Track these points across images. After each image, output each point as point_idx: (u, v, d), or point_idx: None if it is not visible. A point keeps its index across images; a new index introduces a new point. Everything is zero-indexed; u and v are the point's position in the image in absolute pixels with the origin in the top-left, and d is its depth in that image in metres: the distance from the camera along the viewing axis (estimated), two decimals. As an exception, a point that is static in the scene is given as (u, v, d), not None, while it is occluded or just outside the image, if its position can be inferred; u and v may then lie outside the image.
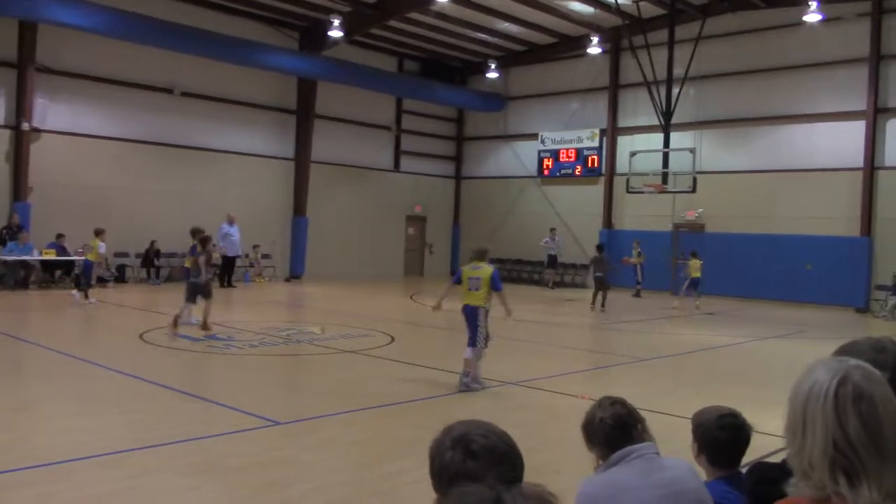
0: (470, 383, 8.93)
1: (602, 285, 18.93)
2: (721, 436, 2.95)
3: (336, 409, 7.69)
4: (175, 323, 11.89)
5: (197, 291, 12.58)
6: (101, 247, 16.86)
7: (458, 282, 9.54)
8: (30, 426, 7.00)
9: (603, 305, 18.77)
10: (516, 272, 27.86)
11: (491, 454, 1.67)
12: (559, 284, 25.98)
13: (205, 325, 12.38)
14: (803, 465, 1.65)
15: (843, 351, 2.68)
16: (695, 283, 19.61)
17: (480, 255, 9.49)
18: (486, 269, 9.27)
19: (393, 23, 23.80)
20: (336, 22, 22.12)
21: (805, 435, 1.65)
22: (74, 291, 16.50)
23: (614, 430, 2.69)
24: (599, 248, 20.41)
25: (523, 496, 0.99)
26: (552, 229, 26.04)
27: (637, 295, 22.81)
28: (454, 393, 8.92)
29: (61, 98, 20.04)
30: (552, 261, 25.75)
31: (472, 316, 9.19)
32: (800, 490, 1.66)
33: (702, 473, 2.96)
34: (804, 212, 21.65)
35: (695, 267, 19.62)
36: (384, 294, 20.62)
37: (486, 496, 1.00)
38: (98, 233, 16.68)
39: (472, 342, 9.09)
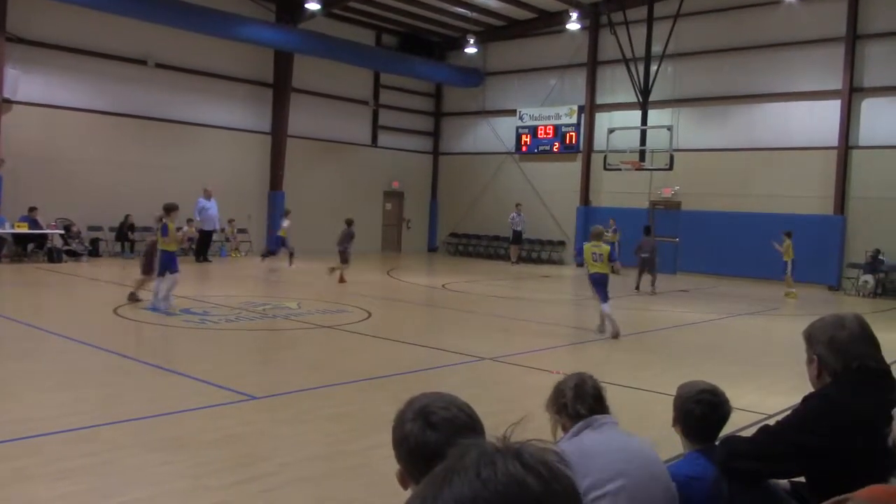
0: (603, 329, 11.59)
1: (647, 266, 18.30)
2: (695, 409, 3.00)
3: (312, 384, 7.69)
4: (157, 296, 12.11)
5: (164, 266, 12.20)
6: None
7: (582, 261, 12.37)
8: (7, 401, 6.93)
9: (653, 285, 18.23)
10: (493, 248, 27.95)
11: (451, 425, 1.69)
12: (523, 259, 26.03)
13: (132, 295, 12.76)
14: None
15: (811, 326, 2.73)
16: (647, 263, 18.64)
17: (598, 236, 11.84)
18: (605, 247, 11.65)
19: (371, -4, 23.57)
20: (313, -6, 21.86)
21: None
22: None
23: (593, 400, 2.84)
24: (647, 229, 19.44)
25: (531, 455, 0.99)
26: (517, 205, 26.05)
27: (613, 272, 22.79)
28: (430, 368, 8.97)
29: (33, 69, 19.65)
30: (517, 236, 25.79)
31: (599, 281, 11.60)
32: None
33: (679, 444, 3.01)
34: (779, 190, 21.85)
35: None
36: (361, 269, 20.56)
37: (486, 450, 1.00)
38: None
39: (605, 299, 11.52)
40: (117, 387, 7.48)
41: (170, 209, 12.42)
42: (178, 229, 12.86)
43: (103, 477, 5.01)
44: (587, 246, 11.84)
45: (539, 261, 26.70)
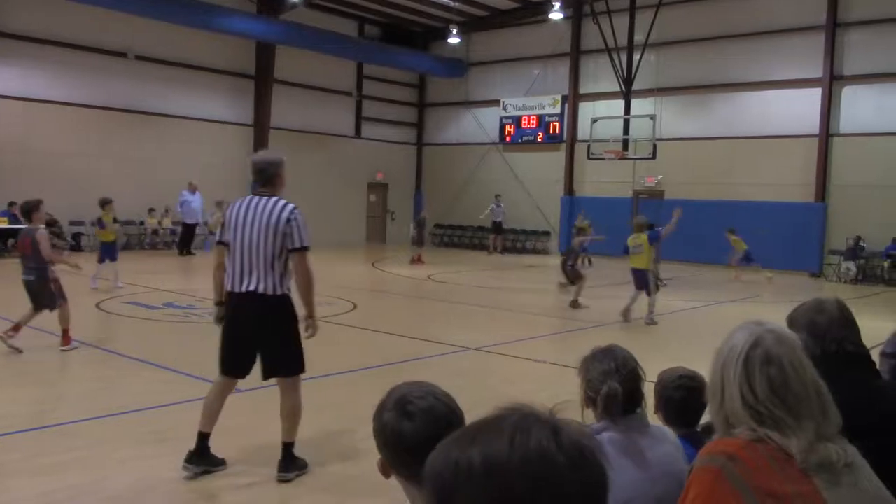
0: (652, 318, 11.83)
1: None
2: (675, 395, 3.02)
3: (297, 377, 7.66)
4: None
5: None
6: None
7: (626, 252, 12.15)
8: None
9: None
10: (478, 239, 27.97)
11: (428, 415, 1.70)
12: (507, 250, 26.06)
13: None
14: (726, 419, 1.80)
15: (793, 311, 2.75)
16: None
17: (640, 227, 12.02)
18: (642, 236, 11.86)
19: (353, -14, 23.44)
20: (295, -16, 21.72)
21: (724, 393, 1.80)
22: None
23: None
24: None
25: (569, 435, 0.98)
26: (497, 196, 26.07)
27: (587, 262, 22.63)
28: (416, 359, 8.97)
29: (10, 61, 19.43)
30: (497, 227, 25.83)
31: (640, 275, 11.87)
32: (736, 432, 1.77)
33: None
34: (761, 178, 22.00)
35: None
36: (346, 261, 20.52)
37: (526, 417, 0.99)
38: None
39: (649, 292, 11.88)
40: (100, 381, 7.43)
41: (104, 203, 13.63)
42: (115, 221, 14.08)
43: (86, 472, 4.98)
44: (630, 239, 11.99)
45: (524, 251, 26.74)
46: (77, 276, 9.89)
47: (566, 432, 0.98)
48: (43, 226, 8.58)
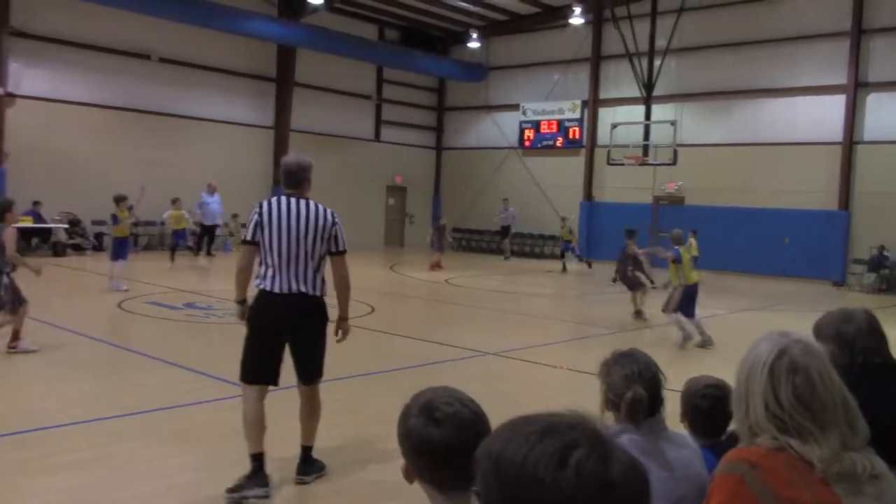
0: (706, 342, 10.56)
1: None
2: (701, 404, 2.98)
3: (316, 379, 7.68)
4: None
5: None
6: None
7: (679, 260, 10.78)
8: (10, 393, 6.96)
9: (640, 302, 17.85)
10: (495, 243, 27.89)
11: (453, 421, 1.69)
12: (515, 254, 26.03)
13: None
14: (751, 428, 1.80)
15: (819, 320, 2.72)
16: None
17: (678, 240, 11.01)
18: (694, 245, 10.90)
19: (374, -10, 23.54)
20: (316, -12, 21.83)
21: (749, 403, 1.81)
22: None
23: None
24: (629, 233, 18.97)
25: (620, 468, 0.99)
26: (505, 200, 26.05)
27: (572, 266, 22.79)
28: (434, 363, 8.98)
29: (37, 63, 19.67)
30: (505, 231, 25.82)
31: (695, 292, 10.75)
32: (758, 440, 1.78)
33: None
34: (783, 185, 21.81)
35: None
36: (364, 264, 20.56)
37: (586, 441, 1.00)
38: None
39: (693, 313, 10.68)
40: (121, 380, 7.50)
41: (118, 200, 13.53)
42: (130, 217, 14.02)
43: (108, 470, 5.02)
44: (683, 251, 10.74)
45: (542, 256, 26.67)
46: (91, 277, 9.97)
47: (616, 458, 0.99)
48: (14, 226, 8.17)
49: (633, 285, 13.01)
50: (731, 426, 3.02)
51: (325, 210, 4.92)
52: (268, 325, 4.84)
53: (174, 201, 19.00)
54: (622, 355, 2.70)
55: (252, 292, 4.97)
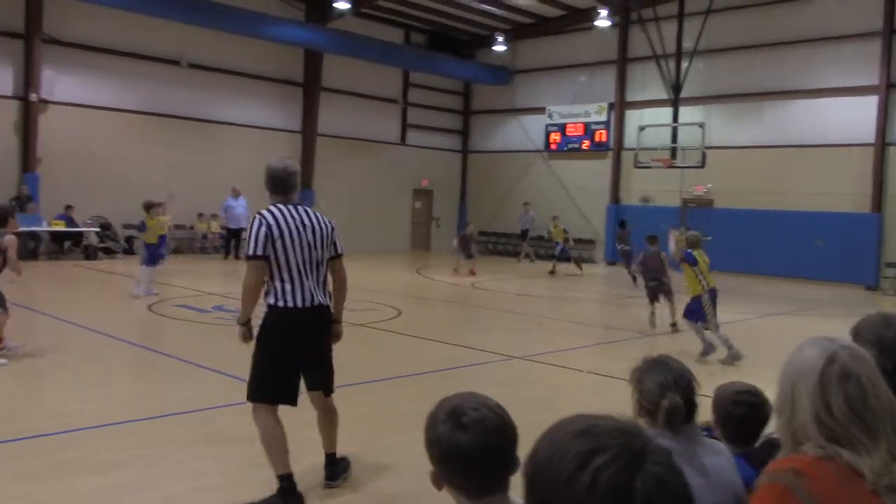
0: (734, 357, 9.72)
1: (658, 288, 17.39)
2: (735, 411, 2.93)
3: (341, 382, 7.67)
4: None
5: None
6: None
7: (694, 262, 10.02)
8: (43, 395, 7.08)
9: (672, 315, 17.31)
10: (521, 247, 27.79)
11: (481, 426, 1.69)
12: (528, 256, 25.75)
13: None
14: (794, 435, 1.76)
15: (858, 324, 2.68)
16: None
17: (695, 244, 10.19)
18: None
19: (400, -6, 23.62)
20: (343, -7, 21.96)
21: (794, 409, 1.76)
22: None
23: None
24: (622, 223, 19.19)
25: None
26: (525, 203, 25.87)
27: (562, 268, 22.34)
28: (460, 367, 8.97)
29: (69, 69, 20.01)
30: (524, 234, 25.65)
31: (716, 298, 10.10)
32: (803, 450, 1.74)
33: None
34: (814, 188, 21.52)
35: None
36: (390, 268, 20.63)
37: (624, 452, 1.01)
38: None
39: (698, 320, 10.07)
40: (153, 383, 7.59)
41: (148, 207, 13.55)
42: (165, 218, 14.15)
43: (140, 471, 5.09)
44: (698, 254, 9.97)
45: (568, 259, 26.51)
46: (122, 280, 10.09)
47: (649, 472, 0.99)
48: (13, 234, 8.00)
49: (669, 292, 12.24)
50: (765, 433, 2.99)
51: (321, 215, 4.85)
52: (292, 343, 4.67)
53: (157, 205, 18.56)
54: (655, 362, 2.68)
55: (257, 311, 4.80)
